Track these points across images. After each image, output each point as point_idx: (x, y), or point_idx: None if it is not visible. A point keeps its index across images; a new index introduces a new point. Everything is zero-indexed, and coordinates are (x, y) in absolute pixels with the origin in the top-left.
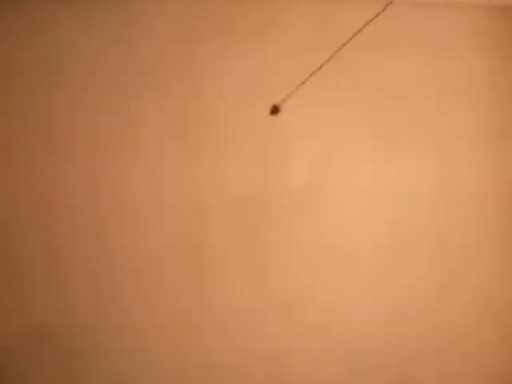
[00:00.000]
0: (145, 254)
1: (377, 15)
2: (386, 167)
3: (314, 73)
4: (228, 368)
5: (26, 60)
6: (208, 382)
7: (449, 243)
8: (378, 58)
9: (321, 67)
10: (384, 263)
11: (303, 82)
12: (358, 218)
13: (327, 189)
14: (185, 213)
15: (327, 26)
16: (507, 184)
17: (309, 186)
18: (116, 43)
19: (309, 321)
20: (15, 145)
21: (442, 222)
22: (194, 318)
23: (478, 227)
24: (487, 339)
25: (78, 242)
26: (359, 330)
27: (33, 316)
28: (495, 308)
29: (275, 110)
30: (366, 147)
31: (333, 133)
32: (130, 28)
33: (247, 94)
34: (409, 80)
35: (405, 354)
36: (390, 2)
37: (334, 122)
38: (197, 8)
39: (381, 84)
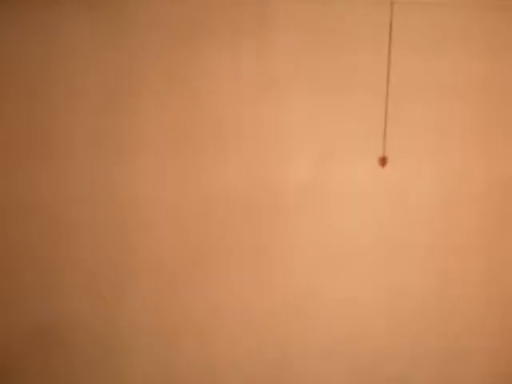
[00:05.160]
0: (145, 254)
1: None
2: (385, 166)
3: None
4: (230, 368)
5: (25, 61)
6: (209, 381)
7: (449, 242)
8: (377, 57)
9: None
10: (384, 263)
11: None
12: (358, 218)
13: (328, 188)
14: (185, 213)
15: (328, 26)
16: (506, 183)
17: (309, 185)
18: (116, 42)
19: (310, 320)
20: (14, 145)
21: (443, 221)
22: (195, 318)
23: (478, 226)
24: (488, 338)
25: (79, 242)
26: (360, 329)
27: (33, 316)
28: (495, 307)
29: (383, 161)
30: (366, 146)
31: (333, 132)
32: (129, 27)
33: (248, 93)
34: (408, 79)
35: (405, 353)
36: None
37: (333, 122)
38: (197, 8)
39: (380, 83)
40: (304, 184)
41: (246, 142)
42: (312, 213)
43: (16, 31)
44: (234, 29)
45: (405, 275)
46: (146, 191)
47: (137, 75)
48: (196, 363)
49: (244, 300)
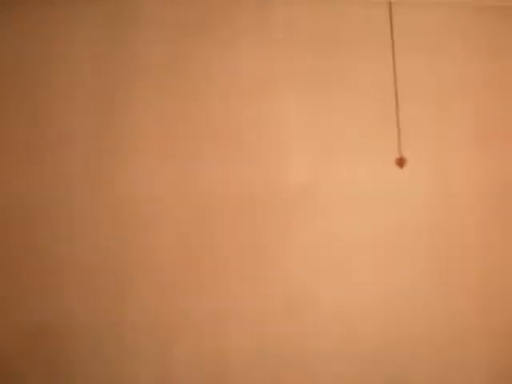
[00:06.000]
0: (144, 254)
1: None
2: (384, 166)
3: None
4: (229, 369)
5: (23, 57)
6: (208, 382)
7: (448, 242)
8: (377, 58)
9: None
10: (383, 263)
11: None
12: (357, 218)
13: (327, 188)
14: (184, 213)
15: (327, 27)
16: (505, 184)
17: (308, 186)
18: (115, 39)
19: (308, 321)
20: (13, 144)
21: (441, 222)
22: (194, 319)
23: (476, 226)
24: (487, 338)
25: (77, 242)
26: (359, 329)
27: (32, 316)
28: (494, 307)
29: (401, 162)
30: (365, 147)
31: (332, 132)
32: (129, 24)
33: (248, 92)
34: (408, 80)
35: (404, 353)
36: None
37: (333, 122)
38: (196, 7)
39: (379, 84)
40: (304, 184)
41: (245, 141)
42: (312, 213)
43: (15, 28)
44: (233, 28)
45: (405, 275)
46: (144, 191)
47: (135, 73)
48: (195, 364)
49: (242, 301)
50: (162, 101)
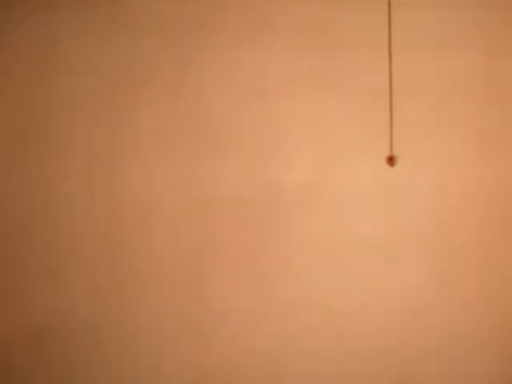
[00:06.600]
0: (145, 254)
1: None
2: (385, 167)
3: None
4: (228, 368)
5: (24, 59)
6: (208, 382)
7: (448, 243)
8: (376, 58)
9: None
10: (384, 263)
11: None
12: (357, 218)
13: (327, 189)
14: (185, 213)
15: (326, 28)
16: (505, 184)
17: (309, 186)
18: (115, 41)
19: (309, 320)
20: (14, 143)
21: (442, 222)
22: (195, 318)
23: (478, 226)
24: (487, 339)
25: (78, 242)
26: (359, 330)
27: (33, 316)
28: (495, 307)
29: (391, 160)
30: (366, 147)
31: (332, 133)
32: (128, 26)
33: (247, 95)
34: (408, 80)
35: (405, 354)
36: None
37: (333, 122)
38: (196, 7)
39: (381, 84)
40: (305, 184)
41: (245, 141)
42: (312, 214)
43: (15, 29)
44: (233, 28)
45: (405, 275)
46: (144, 191)
47: (135, 74)
48: (195, 364)
49: (242, 301)
50: (162, 101)
